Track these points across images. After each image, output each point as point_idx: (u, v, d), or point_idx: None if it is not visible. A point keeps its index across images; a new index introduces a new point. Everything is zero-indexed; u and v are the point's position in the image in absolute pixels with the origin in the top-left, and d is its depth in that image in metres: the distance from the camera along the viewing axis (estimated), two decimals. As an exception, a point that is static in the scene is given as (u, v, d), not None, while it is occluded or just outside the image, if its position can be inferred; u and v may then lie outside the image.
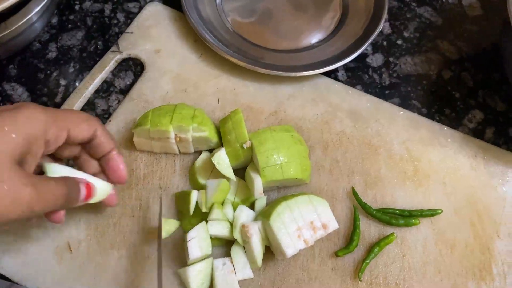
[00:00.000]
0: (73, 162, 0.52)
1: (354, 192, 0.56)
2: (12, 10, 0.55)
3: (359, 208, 0.56)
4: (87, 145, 0.48)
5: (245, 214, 0.52)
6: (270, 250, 0.52)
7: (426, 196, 0.58)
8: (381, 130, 0.62)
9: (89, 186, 0.46)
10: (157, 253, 0.48)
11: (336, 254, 0.53)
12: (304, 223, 0.50)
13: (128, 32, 0.67)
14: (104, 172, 0.51)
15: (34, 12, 0.57)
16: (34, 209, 0.39)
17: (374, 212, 0.55)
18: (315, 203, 0.52)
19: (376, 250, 0.53)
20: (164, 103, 0.61)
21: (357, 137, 0.61)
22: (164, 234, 0.50)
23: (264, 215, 0.51)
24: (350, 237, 0.54)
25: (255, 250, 0.50)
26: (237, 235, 0.51)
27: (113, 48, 0.65)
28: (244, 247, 0.51)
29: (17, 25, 0.57)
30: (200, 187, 0.55)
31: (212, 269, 0.50)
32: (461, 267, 0.54)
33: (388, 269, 0.53)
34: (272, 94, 0.64)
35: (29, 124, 0.40)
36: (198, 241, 0.49)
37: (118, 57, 0.65)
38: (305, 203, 0.51)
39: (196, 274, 0.49)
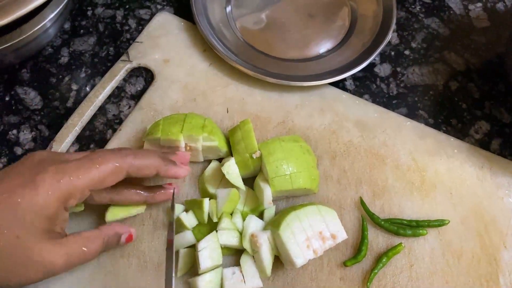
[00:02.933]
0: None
1: (362, 202, 0.57)
2: (27, 16, 0.55)
3: (367, 218, 0.56)
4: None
5: (254, 224, 0.53)
6: (279, 260, 0.52)
7: (433, 206, 0.58)
8: (388, 140, 0.62)
9: (130, 236, 0.51)
10: (167, 252, 0.48)
11: (345, 264, 0.53)
12: (313, 233, 0.51)
13: (138, 42, 0.67)
14: None
15: (48, 18, 0.58)
16: (69, 267, 0.43)
17: (382, 222, 0.55)
18: (324, 213, 0.52)
19: (384, 260, 0.53)
20: (173, 112, 0.62)
21: (364, 147, 0.61)
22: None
23: (273, 225, 0.52)
24: (358, 247, 0.55)
25: (265, 260, 0.50)
26: (246, 245, 0.51)
27: (123, 57, 0.66)
28: (253, 256, 0.52)
29: (31, 31, 0.58)
30: (210, 196, 0.55)
31: (222, 278, 0.51)
32: (468, 277, 0.54)
33: (396, 279, 0.54)
34: (280, 104, 0.64)
35: (42, 207, 0.41)
36: (209, 251, 0.50)
37: (128, 66, 0.65)
38: (314, 213, 0.52)
39: (206, 284, 0.50)
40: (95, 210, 0.55)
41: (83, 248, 0.44)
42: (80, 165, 0.44)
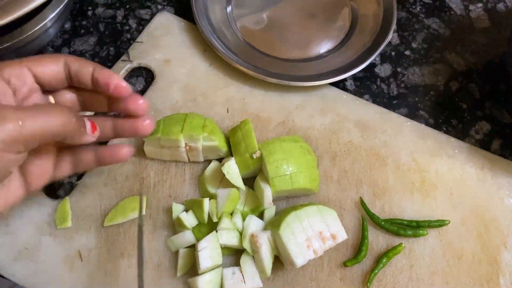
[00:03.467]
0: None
1: (362, 203, 0.57)
2: (28, 16, 0.56)
3: (367, 218, 0.56)
4: (71, 81, 0.45)
5: (254, 224, 0.53)
6: (279, 260, 0.52)
7: (434, 206, 0.58)
8: (388, 140, 0.62)
9: (93, 123, 0.44)
10: (138, 253, 0.48)
11: (345, 264, 0.53)
12: (313, 233, 0.51)
13: (138, 42, 0.67)
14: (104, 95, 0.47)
15: (49, 18, 0.59)
16: (24, 127, 0.36)
17: (382, 223, 0.55)
18: (324, 213, 0.52)
19: (384, 260, 0.53)
20: (173, 112, 0.62)
21: (365, 148, 0.61)
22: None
23: (273, 225, 0.52)
24: (358, 248, 0.54)
25: (265, 260, 0.50)
26: (246, 245, 0.51)
27: (124, 57, 0.66)
28: (253, 256, 0.52)
29: (32, 31, 0.58)
30: (210, 196, 0.55)
31: (221, 278, 0.51)
32: (469, 278, 0.54)
33: (396, 280, 0.54)
34: (280, 104, 0.64)
35: None
36: (209, 251, 0.50)
37: (129, 66, 0.65)
38: (314, 213, 0.52)
39: (206, 284, 0.50)
40: (98, 219, 0.55)
41: (43, 107, 0.38)
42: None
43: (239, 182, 0.53)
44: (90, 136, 0.44)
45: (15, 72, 0.42)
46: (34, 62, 0.43)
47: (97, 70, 0.45)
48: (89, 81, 0.45)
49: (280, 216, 0.52)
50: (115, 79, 0.44)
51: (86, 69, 0.45)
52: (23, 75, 0.42)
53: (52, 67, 0.44)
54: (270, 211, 0.55)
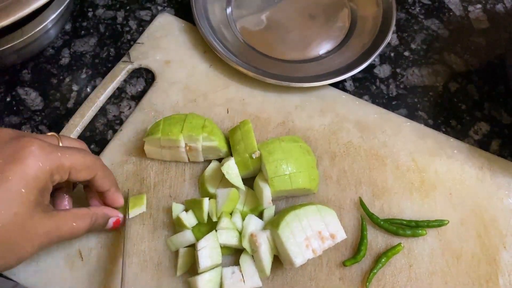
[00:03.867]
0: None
1: (361, 203, 0.57)
2: (28, 18, 0.56)
3: (367, 218, 0.56)
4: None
5: (253, 223, 0.53)
6: (279, 259, 0.52)
7: (433, 206, 0.58)
8: (388, 141, 0.62)
9: (118, 221, 0.52)
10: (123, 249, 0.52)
11: (344, 264, 0.53)
12: (312, 233, 0.51)
13: (139, 43, 0.68)
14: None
15: (49, 19, 0.59)
16: (59, 240, 0.44)
17: (382, 223, 0.55)
18: (323, 213, 0.52)
19: (383, 260, 0.54)
20: (174, 113, 0.62)
21: (364, 148, 0.62)
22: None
23: (272, 225, 0.52)
24: (357, 247, 0.55)
25: (264, 259, 0.50)
26: (246, 244, 0.52)
27: (124, 58, 0.66)
28: (253, 256, 0.52)
29: (33, 32, 0.58)
30: (210, 196, 0.55)
31: (221, 277, 0.51)
32: (468, 278, 0.54)
33: (395, 279, 0.54)
34: (280, 104, 0.64)
35: (34, 178, 0.41)
36: (208, 250, 0.50)
37: (130, 67, 0.66)
38: (313, 213, 0.52)
39: (205, 283, 0.50)
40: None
41: (73, 223, 0.45)
42: (64, 148, 0.45)
43: (239, 182, 0.53)
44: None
45: (59, 179, 0.44)
46: (75, 170, 0.45)
47: (111, 192, 0.51)
48: (99, 191, 0.51)
49: (279, 215, 0.53)
50: (119, 203, 0.53)
51: (103, 188, 0.50)
52: (63, 179, 0.45)
53: (83, 179, 0.47)
54: (269, 211, 0.55)
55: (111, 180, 0.51)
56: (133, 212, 0.55)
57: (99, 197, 0.52)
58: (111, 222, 0.52)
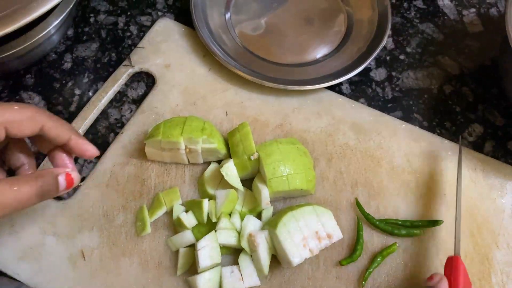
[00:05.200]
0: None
1: (357, 203, 0.58)
2: (32, 24, 0.57)
3: (362, 218, 0.57)
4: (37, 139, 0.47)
5: (252, 224, 0.54)
6: (277, 259, 0.54)
7: (427, 207, 0.59)
8: (383, 142, 0.63)
9: (69, 177, 0.45)
10: None
11: (340, 263, 0.55)
12: (310, 233, 0.52)
13: (139, 47, 0.69)
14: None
15: (52, 25, 0.60)
16: (2, 211, 0.39)
17: (377, 223, 0.57)
18: (320, 213, 0.54)
19: (379, 259, 0.55)
20: (174, 115, 0.63)
21: (360, 150, 0.63)
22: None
23: (270, 225, 0.53)
24: (353, 247, 0.56)
25: (262, 259, 0.52)
26: (244, 244, 0.53)
27: (125, 62, 0.68)
28: (251, 255, 0.53)
29: (36, 38, 0.59)
30: (209, 197, 0.57)
31: (220, 277, 0.52)
32: (461, 276, 0.56)
33: (390, 278, 0.55)
34: (277, 107, 0.66)
35: None
36: (208, 250, 0.51)
37: (130, 71, 0.67)
38: (310, 213, 0.53)
39: (205, 282, 0.51)
40: (100, 219, 0.56)
41: (14, 188, 0.40)
42: None
43: (238, 183, 0.55)
44: (66, 190, 0.45)
45: None
46: (13, 123, 0.42)
47: (73, 140, 0.46)
48: (61, 144, 0.46)
49: (277, 216, 0.54)
50: (90, 150, 0.47)
51: (61, 138, 0.46)
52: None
53: (28, 132, 0.44)
54: (267, 212, 0.56)
55: (68, 128, 0.46)
56: (175, 211, 0.56)
57: (65, 152, 0.48)
58: (62, 180, 0.44)
